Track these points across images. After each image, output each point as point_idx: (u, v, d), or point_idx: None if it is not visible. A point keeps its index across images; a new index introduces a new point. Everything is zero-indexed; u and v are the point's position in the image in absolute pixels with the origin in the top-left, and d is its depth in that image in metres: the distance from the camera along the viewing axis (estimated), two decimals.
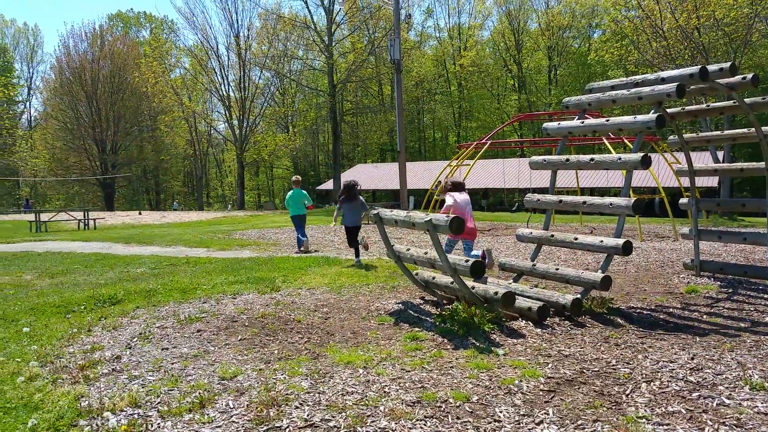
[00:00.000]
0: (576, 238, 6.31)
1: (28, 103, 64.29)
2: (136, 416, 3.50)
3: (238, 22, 44.80)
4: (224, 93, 45.72)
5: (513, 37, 52.83)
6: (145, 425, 3.37)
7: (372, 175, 45.88)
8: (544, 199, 6.89)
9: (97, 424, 3.39)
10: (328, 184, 45.17)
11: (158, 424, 3.40)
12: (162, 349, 4.87)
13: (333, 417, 3.46)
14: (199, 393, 3.82)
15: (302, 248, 11.66)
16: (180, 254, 11.49)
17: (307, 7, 40.15)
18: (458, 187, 7.71)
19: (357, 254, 9.76)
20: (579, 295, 5.99)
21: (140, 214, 34.13)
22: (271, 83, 49.01)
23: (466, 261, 5.44)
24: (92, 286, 7.81)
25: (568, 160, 6.71)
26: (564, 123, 7.10)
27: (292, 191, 11.91)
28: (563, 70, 52.73)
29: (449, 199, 7.61)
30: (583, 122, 6.79)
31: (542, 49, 53.25)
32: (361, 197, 9.85)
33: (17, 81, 61.22)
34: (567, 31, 51.53)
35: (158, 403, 3.71)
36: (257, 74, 46.35)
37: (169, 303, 6.67)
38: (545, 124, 7.28)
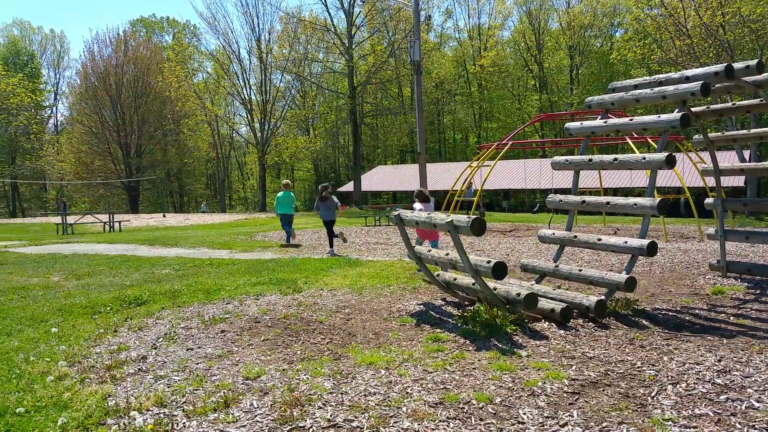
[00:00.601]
0: (600, 239, 6.25)
1: (54, 108, 65.69)
2: (162, 415, 3.55)
3: (259, 26, 45.21)
4: (246, 96, 46.15)
5: (534, 36, 52.44)
6: (170, 424, 3.42)
7: (392, 177, 45.91)
8: (566, 200, 6.83)
9: (124, 423, 3.45)
10: (349, 186, 45.29)
11: (184, 423, 3.45)
12: (187, 350, 4.94)
13: (356, 417, 3.48)
14: (224, 393, 3.87)
15: (291, 241, 13.71)
16: (203, 256, 11.63)
17: (327, 10, 40.47)
18: (423, 196, 8.91)
19: (331, 245, 12.00)
20: (603, 297, 5.93)
21: (164, 216, 34.59)
22: (291, 86, 49.35)
23: (488, 262, 5.42)
24: (118, 288, 7.94)
25: (590, 160, 6.65)
26: (586, 122, 7.04)
27: (282, 192, 13.75)
28: (585, 69, 52.19)
29: (417, 206, 8.71)
30: (606, 122, 6.72)
31: (563, 49, 52.77)
32: (333, 197, 12.30)
33: (44, 86, 62.58)
34: (588, 30, 50.97)
35: (183, 402, 3.76)
36: (278, 77, 46.73)
37: (193, 304, 6.76)
38: (567, 124, 7.22)
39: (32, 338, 5.41)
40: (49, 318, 6.22)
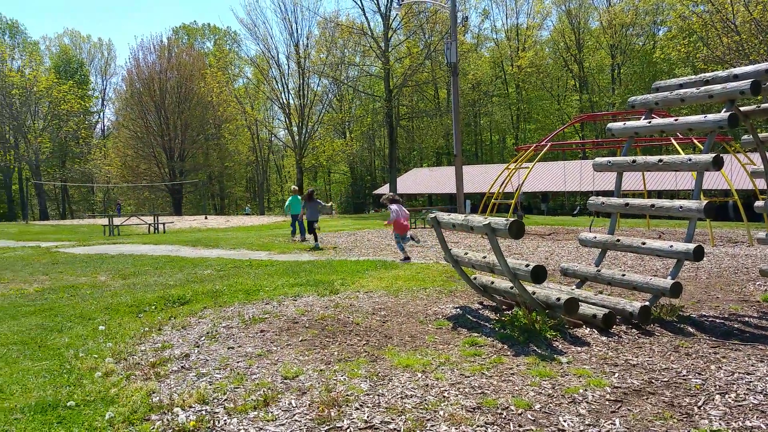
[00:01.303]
0: (644, 243, 6.09)
1: (101, 114, 68.02)
2: (204, 412, 3.63)
3: (297, 32, 45.78)
4: (284, 101, 46.78)
5: (573, 36, 51.61)
6: (212, 421, 3.49)
7: (427, 179, 45.82)
8: (609, 202, 6.70)
9: (167, 419, 3.54)
10: (384, 188, 45.37)
11: (225, 420, 3.52)
12: (228, 348, 5.04)
13: (392, 419, 3.48)
14: (264, 391, 3.93)
15: (295, 239, 15.93)
16: (243, 257, 11.84)
17: (364, 14, 40.54)
18: (395, 200, 11.14)
19: (316, 239, 14.04)
20: (647, 303, 5.77)
21: (206, 218, 35.34)
22: (328, 90, 49.78)
23: (527, 265, 5.35)
24: (162, 287, 8.16)
25: (634, 161, 6.50)
26: (630, 123, 6.88)
27: (291, 197, 16.19)
28: (627, 68, 51.08)
29: (393, 207, 10.90)
30: (650, 122, 6.56)
31: (604, 48, 51.76)
32: (318, 199, 14.72)
33: (92, 93, 64.82)
34: (630, 28, 49.87)
35: (225, 400, 3.83)
36: (316, 81, 47.20)
37: (234, 304, 6.89)
38: (610, 125, 7.07)
39: (81, 335, 5.61)
40: (96, 316, 6.44)
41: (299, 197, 15.94)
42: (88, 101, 60.85)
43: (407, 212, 11.34)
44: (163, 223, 23.23)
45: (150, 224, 22.67)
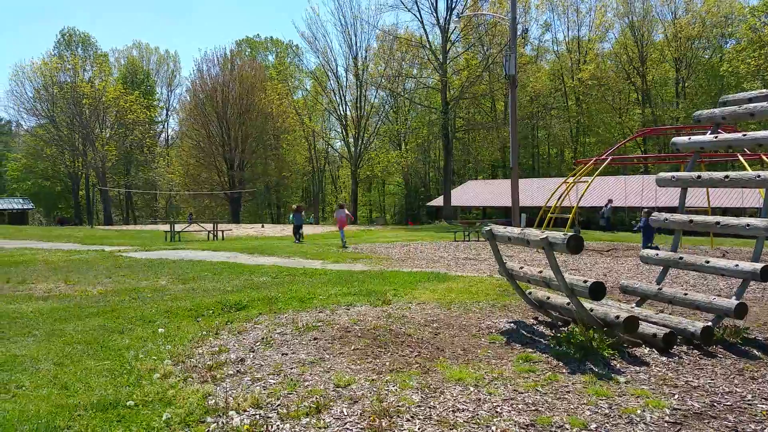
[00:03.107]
0: (707, 261, 5.86)
1: (166, 124, 70.85)
2: (257, 417, 3.71)
3: (356, 44, 46.56)
4: (341, 112, 47.53)
5: (636, 48, 50.18)
6: (266, 426, 3.57)
7: (482, 192, 45.38)
8: (672, 219, 6.47)
9: (222, 422, 3.63)
10: (439, 201, 45.24)
11: (278, 425, 3.58)
12: (282, 354, 5.13)
13: None
14: (316, 398, 3.98)
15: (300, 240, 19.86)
16: (298, 265, 12.04)
17: (423, 27, 40.79)
18: (339, 205, 16.61)
19: (299, 238, 19.33)
20: (710, 323, 5.54)
21: (263, 227, 36.12)
22: (385, 102, 50.26)
23: (584, 282, 5.22)
24: (220, 293, 8.40)
25: (699, 177, 6.27)
26: (695, 137, 6.65)
27: (291, 214, 21.94)
28: (692, 82, 49.23)
29: (341, 211, 16.52)
30: (716, 137, 6.33)
31: (669, 61, 50.08)
32: (302, 212, 20.74)
33: (158, 103, 67.65)
34: (696, 41, 48.12)
35: (278, 405, 3.91)
36: (373, 93, 47.77)
37: (288, 311, 7.02)
38: (674, 139, 6.86)
39: (141, 337, 5.83)
40: (156, 319, 6.68)
41: (300, 215, 21.68)
42: (154, 111, 63.51)
43: (347, 214, 18.27)
44: (222, 231, 23.88)
45: (209, 231, 23.34)
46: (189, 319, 6.68)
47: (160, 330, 6.09)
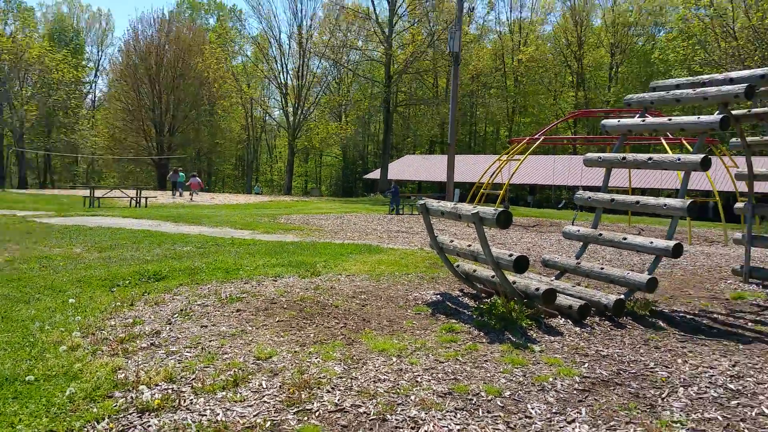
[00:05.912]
0: (625, 238, 6.10)
1: (93, 84, 66.99)
2: (170, 391, 3.55)
3: (302, 12, 45.44)
4: (282, 81, 46.34)
5: (575, 32, 51.46)
6: (178, 400, 3.41)
7: (419, 167, 45.73)
8: (595, 197, 6.68)
9: (131, 397, 3.44)
10: (375, 174, 45.31)
11: (191, 399, 3.44)
12: (201, 327, 4.96)
13: (363, 403, 3.44)
14: (234, 371, 3.86)
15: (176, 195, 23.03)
16: (226, 235, 11.71)
17: None
18: (194, 175, 23.84)
19: (173, 195, 22.43)
20: (622, 296, 5.80)
21: (190, 195, 35.04)
22: (328, 72, 49.38)
23: (510, 255, 5.32)
24: (139, 262, 8.03)
25: (624, 158, 6.49)
26: (624, 120, 6.86)
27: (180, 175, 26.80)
28: (625, 67, 51.14)
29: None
30: (644, 120, 6.54)
31: (605, 46, 51.72)
32: (180, 173, 27.75)
33: (87, 63, 63.76)
34: (632, 28, 49.83)
35: (193, 379, 3.76)
36: (316, 63, 46.78)
37: (211, 282, 6.80)
38: (604, 121, 7.05)
39: (49, 307, 5.46)
40: (67, 288, 6.29)
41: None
42: (82, 71, 59.85)
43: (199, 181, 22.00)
44: (146, 198, 22.93)
45: (132, 198, 22.32)
46: (103, 289, 6.34)
47: (70, 300, 5.72)
